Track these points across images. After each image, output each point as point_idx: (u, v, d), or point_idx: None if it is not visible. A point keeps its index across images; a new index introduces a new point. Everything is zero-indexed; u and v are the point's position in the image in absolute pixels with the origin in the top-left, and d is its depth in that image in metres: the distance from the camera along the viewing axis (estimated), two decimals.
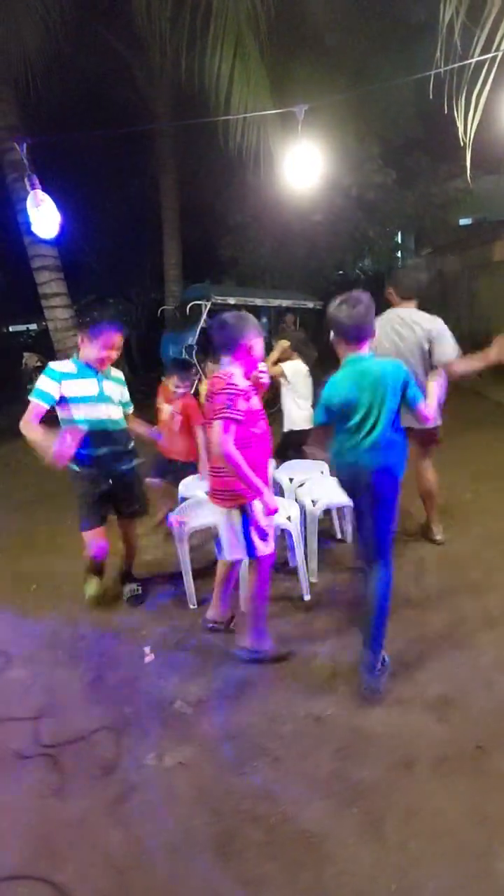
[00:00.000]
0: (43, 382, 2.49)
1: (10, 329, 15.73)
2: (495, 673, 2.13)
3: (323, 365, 3.70)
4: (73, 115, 7.56)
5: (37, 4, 5.10)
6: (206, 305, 7.51)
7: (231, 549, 2.20)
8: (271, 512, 2.10)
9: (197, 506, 2.99)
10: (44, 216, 3.35)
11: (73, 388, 2.52)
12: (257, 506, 2.10)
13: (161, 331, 8.58)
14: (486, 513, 3.59)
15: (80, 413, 2.54)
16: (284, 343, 3.74)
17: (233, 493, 2.10)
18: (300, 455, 3.54)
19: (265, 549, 2.17)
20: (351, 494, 2.14)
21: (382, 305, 2.66)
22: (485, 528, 3.36)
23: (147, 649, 2.43)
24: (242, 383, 2.03)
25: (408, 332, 2.82)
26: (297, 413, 3.69)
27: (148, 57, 6.98)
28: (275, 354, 3.72)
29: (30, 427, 2.40)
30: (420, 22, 6.50)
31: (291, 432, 3.71)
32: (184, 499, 3.20)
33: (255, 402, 2.11)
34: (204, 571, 3.11)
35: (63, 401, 2.51)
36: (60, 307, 6.58)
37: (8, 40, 5.11)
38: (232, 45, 4.72)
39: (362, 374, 1.97)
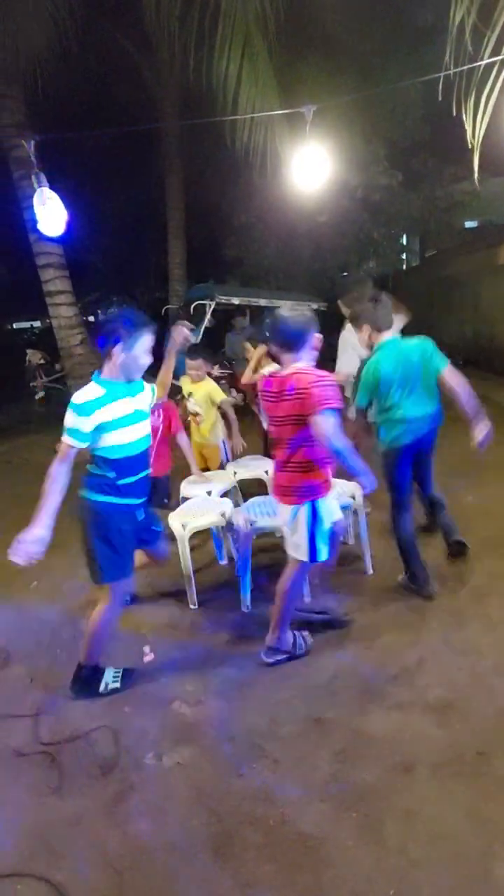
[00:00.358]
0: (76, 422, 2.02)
1: (14, 326, 15.78)
2: (496, 678, 2.12)
3: (324, 363, 3.70)
4: (80, 114, 7.58)
5: (46, 3, 5.11)
6: (210, 305, 7.52)
7: (295, 549, 2.16)
8: (368, 489, 2.12)
9: (198, 506, 2.99)
10: (50, 214, 3.36)
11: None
12: (327, 503, 2.12)
13: (165, 330, 8.58)
14: (488, 516, 3.58)
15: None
16: (262, 349, 3.75)
17: (304, 488, 2.08)
18: None
19: (325, 554, 2.14)
20: (413, 451, 2.51)
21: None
22: (487, 532, 3.34)
23: (146, 649, 2.43)
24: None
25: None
26: None
27: (156, 56, 7.00)
28: (253, 362, 3.70)
29: None
30: (427, 24, 6.51)
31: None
32: (185, 499, 3.20)
33: None
34: (204, 571, 3.11)
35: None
36: (65, 305, 6.59)
37: (17, 38, 5.12)
38: (240, 45, 4.72)
39: (398, 353, 2.48)
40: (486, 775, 1.71)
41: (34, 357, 8.11)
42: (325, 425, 1.90)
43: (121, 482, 2.08)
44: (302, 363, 2.06)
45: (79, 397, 2.01)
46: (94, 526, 2.15)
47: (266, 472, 3.50)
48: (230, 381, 7.21)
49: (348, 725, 1.94)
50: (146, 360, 2.06)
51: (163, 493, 2.98)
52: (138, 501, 2.16)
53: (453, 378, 2.55)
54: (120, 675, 2.25)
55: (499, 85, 2.79)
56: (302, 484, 2.08)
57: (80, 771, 1.86)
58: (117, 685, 2.22)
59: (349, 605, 2.68)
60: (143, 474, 2.14)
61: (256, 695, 2.13)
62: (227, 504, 2.99)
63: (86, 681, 2.19)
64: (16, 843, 1.63)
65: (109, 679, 2.23)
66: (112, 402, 2.01)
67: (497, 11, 2.74)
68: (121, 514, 2.11)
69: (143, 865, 1.54)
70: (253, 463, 3.61)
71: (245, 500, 3.12)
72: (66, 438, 2.03)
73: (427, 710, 1.98)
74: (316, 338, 2.09)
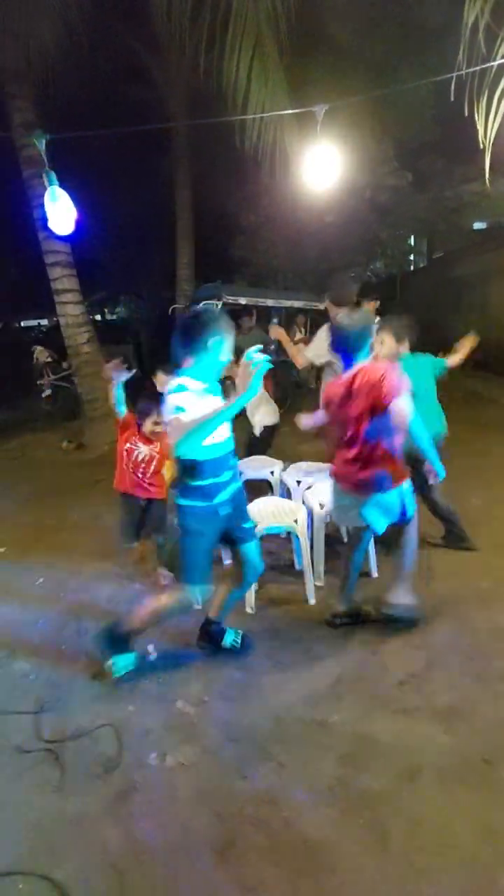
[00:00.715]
0: None
1: (22, 324, 15.85)
2: (502, 684, 2.09)
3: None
4: (89, 113, 7.59)
5: (56, 3, 5.13)
6: (217, 305, 7.51)
7: (384, 521, 2.29)
8: (438, 478, 2.37)
9: None
10: (60, 212, 3.36)
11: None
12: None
13: (172, 329, 8.59)
14: (495, 520, 3.54)
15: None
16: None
17: (395, 473, 2.22)
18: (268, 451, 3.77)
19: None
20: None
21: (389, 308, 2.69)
22: (494, 536, 3.31)
23: (150, 647, 2.42)
24: None
25: None
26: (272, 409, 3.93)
27: (165, 56, 7.01)
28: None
29: None
30: (438, 25, 6.47)
31: (267, 428, 3.95)
32: None
33: None
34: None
35: None
36: (72, 303, 6.60)
37: (27, 38, 5.14)
38: (251, 45, 4.71)
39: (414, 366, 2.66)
40: (493, 783, 1.69)
41: (41, 355, 8.11)
42: (404, 410, 2.01)
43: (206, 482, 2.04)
44: (366, 361, 2.21)
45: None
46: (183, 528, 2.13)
47: (272, 472, 3.48)
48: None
49: (354, 730, 1.92)
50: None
51: (158, 518, 2.93)
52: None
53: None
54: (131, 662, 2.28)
55: None
56: (385, 473, 2.20)
57: (83, 769, 1.85)
58: (122, 673, 2.25)
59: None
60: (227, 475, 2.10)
61: (261, 696, 2.12)
62: None
63: (112, 640, 2.24)
64: (17, 841, 1.62)
65: (121, 664, 2.25)
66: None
67: None
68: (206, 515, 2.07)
69: (145, 866, 1.53)
70: (258, 464, 3.60)
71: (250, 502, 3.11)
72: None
73: (434, 715, 1.95)
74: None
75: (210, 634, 2.38)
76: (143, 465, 2.81)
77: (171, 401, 1.89)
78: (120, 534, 3.03)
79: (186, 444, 1.85)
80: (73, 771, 1.84)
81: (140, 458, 2.80)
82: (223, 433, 2.04)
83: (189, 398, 1.91)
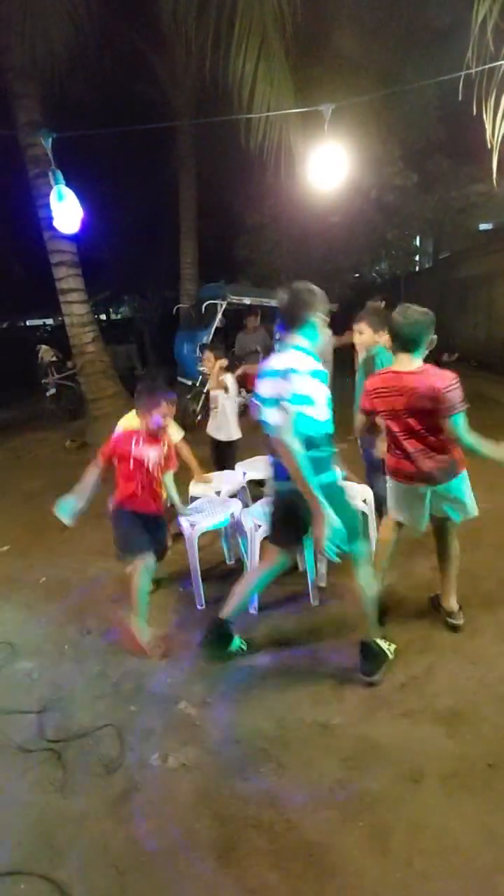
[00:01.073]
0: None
1: (27, 323, 15.91)
2: None
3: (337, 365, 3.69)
4: (95, 112, 7.60)
5: (63, 2, 5.14)
6: (221, 305, 7.51)
7: (462, 512, 2.33)
8: None
9: (207, 506, 2.98)
10: (66, 212, 3.36)
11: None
12: None
13: (175, 328, 8.61)
14: (500, 523, 3.52)
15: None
16: (223, 362, 3.87)
17: (456, 461, 2.27)
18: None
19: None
20: None
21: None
22: (498, 539, 3.30)
23: (161, 648, 2.42)
24: None
25: None
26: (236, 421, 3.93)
27: (171, 56, 7.01)
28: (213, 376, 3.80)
29: None
30: (444, 25, 6.44)
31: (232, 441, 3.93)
32: (193, 498, 3.19)
33: None
34: (212, 571, 3.10)
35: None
36: (77, 303, 6.62)
37: (34, 36, 5.15)
38: (257, 44, 4.70)
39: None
40: (496, 789, 1.68)
41: (46, 354, 8.15)
42: (459, 428, 2.10)
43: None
44: (420, 362, 2.19)
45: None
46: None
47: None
48: (241, 381, 7.20)
49: (356, 732, 1.91)
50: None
51: (163, 537, 2.70)
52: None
53: None
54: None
55: None
56: (453, 458, 2.26)
57: (85, 769, 1.85)
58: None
59: (352, 610, 2.64)
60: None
61: (263, 697, 2.12)
62: (237, 504, 2.98)
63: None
64: (19, 841, 1.63)
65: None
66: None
67: None
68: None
69: (146, 867, 1.53)
70: (262, 464, 3.59)
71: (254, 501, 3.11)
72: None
73: (436, 719, 1.94)
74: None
75: (221, 636, 2.31)
76: (156, 472, 2.54)
77: (297, 385, 1.88)
78: (128, 546, 2.50)
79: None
80: (75, 771, 1.85)
81: (152, 465, 2.51)
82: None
83: (312, 384, 1.93)
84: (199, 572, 2.78)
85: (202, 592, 2.78)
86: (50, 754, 1.92)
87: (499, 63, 2.70)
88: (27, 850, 1.60)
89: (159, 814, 1.68)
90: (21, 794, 1.78)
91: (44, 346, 8.22)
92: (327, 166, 3.17)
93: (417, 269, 13.18)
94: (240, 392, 7.29)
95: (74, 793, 1.77)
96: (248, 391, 7.29)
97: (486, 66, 2.72)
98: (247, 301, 7.67)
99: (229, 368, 4.02)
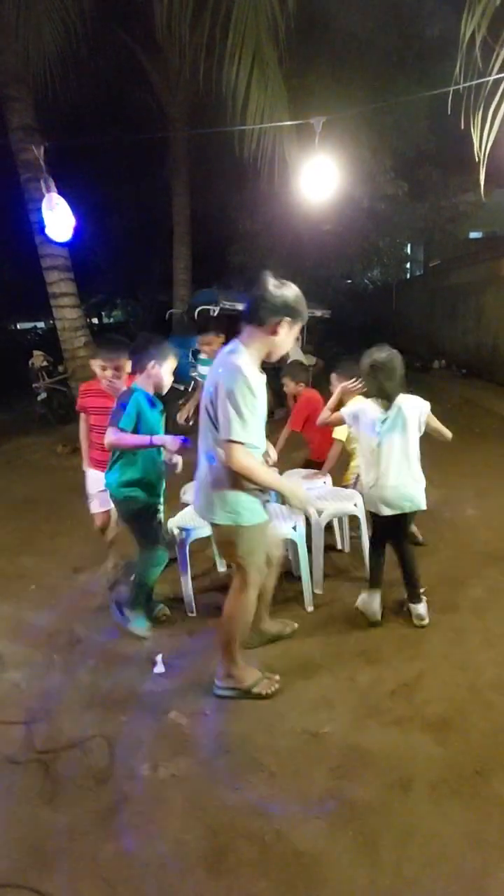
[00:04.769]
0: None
1: (18, 326, 15.81)
2: (495, 694, 2.10)
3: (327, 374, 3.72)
4: (88, 117, 7.62)
5: (57, 6, 5.15)
6: (214, 310, 7.53)
7: None
8: None
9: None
10: (58, 219, 3.36)
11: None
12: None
13: (168, 333, 8.60)
14: (489, 529, 3.57)
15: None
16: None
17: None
18: None
19: None
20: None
21: (385, 316, 2.68)
22: (487, 545, 3.34)
23: (158, 658, 2.40)
24: None
25: None
26: None
27: (165, 62, 7.05)
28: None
29: None
30: (435, 38, 6.57)
31: None
32: (185, 505, 3.19)
33: None
34: (202, 578, 3.10)
35: None
36: (69, 307, 6.60)
37: (27, 40, 5.15)
38: (251, 53, 4.75)
39: None
40: (484, 795, 1.69)
41: (37, 359, 8.11)
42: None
43: None
44: None
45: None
46: None
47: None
48: None
49: (345, 740, 1.92)
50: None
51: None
52: None
53: None
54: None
55: None
56: None
57: (74, 781, 1.84)
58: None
59: (346, 617, 2.66)
60: None
61: (254, 706, 2.11)
62: None
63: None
64: (7, 854, 1.61)
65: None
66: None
67: None
68: None
69: (136, 879, 1.52)
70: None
71: None
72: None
73: (425, 726, 1.96)
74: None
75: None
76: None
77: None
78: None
79: None
80: (64, 782, 1.83)
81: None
82: None
83: None
84: (190, 578, 2.78)
85: (192, 599, 2.78)
86: (38, 766, 1.89)
87: (486, 79, 2.75)
88: (15, 862, 1.58)
89: (149, 825, 1.67)
90: (9, 806, 1.76)
91: (36, 352, 8.16)
92: (319, 178, 3.21)
93: (408, 276, 13.34)
94: None
95: (63, 804, 1.76)
96: None
97: (474, 82, 2.78)
98: (239, 307, 7.68)
99: None
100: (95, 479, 2.84)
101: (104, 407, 2.64)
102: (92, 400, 2.87)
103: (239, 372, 1.79)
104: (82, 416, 2.95)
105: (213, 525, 2.01)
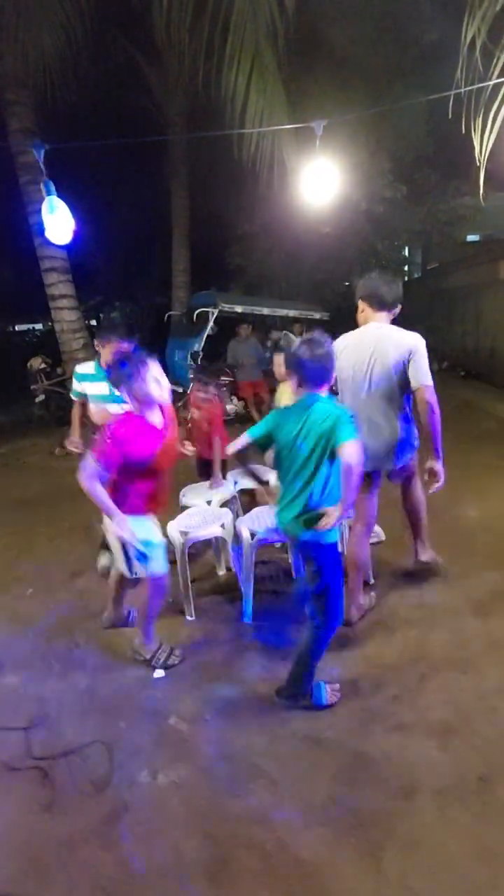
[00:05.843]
0: (72, 382, 3.13)
1: (16, 328, 15.78)
2: (498, 699, 2.08)
3: None
4: (88, 120, 7.63)
5: (57, 10, 5.16)
6: (213, 313, 7.54)
7: None
8: None
9: (198, 516, 2.96)
10: (58, 222, 3.35)
11: (90, 388, 3.01)
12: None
13: (166, 335, 8.61)
14: (489, 532, 3.55)
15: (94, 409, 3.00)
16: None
17: None
18: None
19: None
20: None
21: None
22: (488, 548, 3.32)
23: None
24: None
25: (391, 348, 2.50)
26: None
27: (165, 66, 7.07)
28: None
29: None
30: (433, 42, 6.60)
31: None
32: (184, 508, 3.17)
33: None
34: (201, 582, 3.07)
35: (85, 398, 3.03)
36: (67, 309, 6.59)
37: (26, 44, 5.16)
38: (249, 57, 4.76)
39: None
40: (489, 802, 1.67)
41: (35, 362, 8.09)
42: None
43: None
44: None
45: (78, 367, 3.09)
46: None
47: (267, 482, 3.46)
48: (231, 389, 7.21)
49: (348, 746, 1.90)
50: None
51: None
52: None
53: None
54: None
55: None
56: None
57: (73, 788, 1.81)
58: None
59: (347, 619, 2.64)
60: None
61: (255, 711, 2.09)
62: (227, 514, 2.96)
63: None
64: (4, 863, 1.58)
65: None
66: (96, 382, 2.98)
67: None
68: None
69: (136, 889, 1.50)
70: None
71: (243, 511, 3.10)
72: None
73: (429, 731, 1.94)
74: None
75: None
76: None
77: None
78: None
79: None
80: (62, 789, 1.80)
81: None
82: None
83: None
84: (190, 582, 2.76)
85: (193, 603, 2.76)
86: (36, 772, 1.87)
87: (486, 84, 2.76)
88: (13, 871, 1.55)
89: (149, 833, 1.65)
90: (6, 814, 1.73)
91: (33, 358, 8.15)
92: (319, 181, 3.21)
93: (407, 279, 13.37)
94: (231, 400, 7.30)
95: (62, 812, 1.73)
96: (240, 399, 7.31)
97: (475, 87, 2.79)
98: (238, 309, 7.71)
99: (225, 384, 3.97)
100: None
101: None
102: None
103: None
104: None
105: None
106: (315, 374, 1.87)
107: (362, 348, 2.51)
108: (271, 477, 3.45)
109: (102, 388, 2.90)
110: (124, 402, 2.66)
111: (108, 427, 2.14)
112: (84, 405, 3.09)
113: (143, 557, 2.20)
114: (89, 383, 3.00)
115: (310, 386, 1.89)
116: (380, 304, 2.54)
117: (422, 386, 2.39)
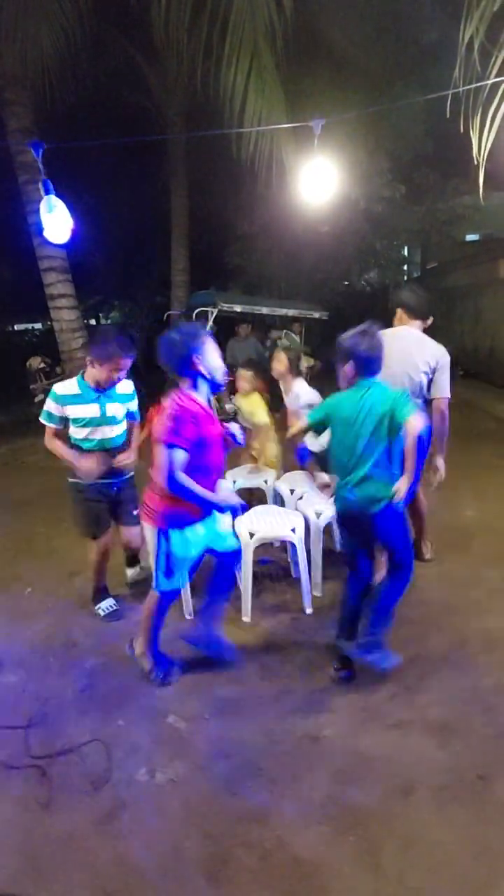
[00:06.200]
0: (48, 404, 2.59)
1: (15, 328, 15.78)
2: (496, 697, 2.09)
3: (327, 376, 3.72)
4: (86, 119, 7.62)
5: (55, 9, 5.15)
6: (212, 312, 7.53)
7: None
8: None
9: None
10: (56, 222, 3.34)
11: (76, 411, 2.56)
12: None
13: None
14: (488, 531, 3.56)
15: (82, 434, 2.61)
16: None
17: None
18: None
19: None
20: None
21: (383, 317, 2.68)
22: (486, 547, 3.33)
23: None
24: None
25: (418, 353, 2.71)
26: None
27: (163, 65, 7.06)
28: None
29: (50, 442, 2.62)
30: (433, 41, 6.60)
31: None
32: None
33: None
34: (198, 580, 3.07)
35: (67, 422, 2.58)
36: (67, 308, 6.58)
37: (24, 43, 5.15)
38: (248, 56, 4.76)
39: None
40: (487, 800, 1.68)
41: (34, 362, 8.09)
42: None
43: None
44: None
45: (58, 388, 2.60)
46: None
47: (265, 481, 3.47)
48: (229, 389, 7.21)
49: (346, 744, 1.90)
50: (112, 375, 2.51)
51: None
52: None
53: None
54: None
55: None
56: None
57: (71, 786, 1.81)
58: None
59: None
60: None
61: (253, 710, 2.09)
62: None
63: None
64: (2, 861, 1.58)
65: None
66: (83, 404, 2.57)
67: None
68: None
69: (134, 887, 1.50)
70: (252, 472, 3.58)
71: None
72: (41, 419, 2.67)
73: (427, 730, 1.94)
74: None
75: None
76: None
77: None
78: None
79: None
80: (60, 788, 1.80)
81: None
82: None
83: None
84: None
85: (190, 601, 2.76)
86: (35, 771, 1.87)
87: (484, 83, 2.76)
88: (11, 870, 1.55)
89: (147, 832, 1.65)
90: (4, 812, 1.73)
91: (32, 357, 8.15)
92: (317, 180, 3.21)
93: (406, 278, 13.37)
94: (230, 399, 7.30)
95: (60, 810, 1.73)
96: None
97: (473, 86, 2.79)
98: (237, 308, 7.70)
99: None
100: None
101: None
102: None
103: None
104: None
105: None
106: (370, 362, 2.06)
107: (392, 347, 2.55)
108: (269, 477, 3.47)
109: (93, 410, 2.54)
110: (119, 422, 2.63)
111: (176, 404, 1.94)
112: (59, 435, 2.59)
113: (169, 573, 2.12)
114: (75, 406, 2.53)
115: (366, 373, 2.08)
116: (415, 313, 2.82)
117: (441, 397, 2.66)
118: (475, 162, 3.06)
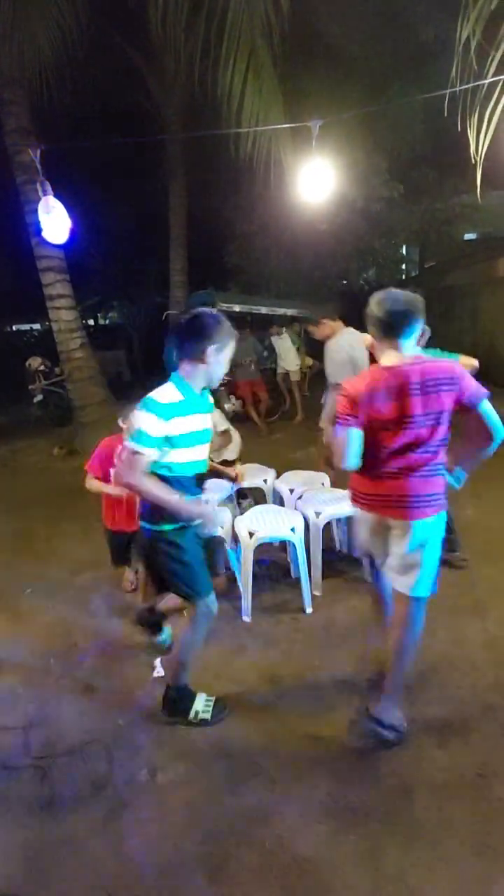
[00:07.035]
0: (144, 421, 1.71)
1: (14, 328, 15.76)
2: (495, 696, 2.09)
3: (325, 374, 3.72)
4: (84, 119, 7.62)
5: (52, 9, 5.14)
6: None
7: (406, 577, 1.95)
8: None
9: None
10: (54, 222, 3.35)
11: (183, 426, 1.78)
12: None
13: (164, 334, 8.58)
14: (488, 529, 3.56)
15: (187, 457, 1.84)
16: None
17: (439, 494, 1.83)
18: None
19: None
20: None
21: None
22: (487, 545, 3.33)
23: (157, 663, 2.37)
24: None
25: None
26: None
27: (161, 65, 7.05)
28: None
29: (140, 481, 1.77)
30: (430, 41, 6.59)
31: None
32: None
33: None
34: None
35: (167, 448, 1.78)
36: (65, 308, 6.57)
37: (22, 43, 5.14)
38: (245, 56, 4.75)
39: None
40: (486, 799, 1.68)
41: (34, 362, 8.09)
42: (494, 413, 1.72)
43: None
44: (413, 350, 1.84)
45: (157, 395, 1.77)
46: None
47: (265, 480, 3.47)
48: (229, 388, 7.21)
49: (347, 743, 1.90)
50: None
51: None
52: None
53: None
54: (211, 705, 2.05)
55: (502, 102, 2.82)
56: (438, 490, 1.81)
57: (72, 787, 1.81)
58: (207, 716, 2.02)
59: (345, 618, 2.65)
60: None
61: (253, 709, 2.10)
62: (226, 514, 2.96)
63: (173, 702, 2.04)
64: (3, 863, 1.58)
65: (200, 707, 2.03)
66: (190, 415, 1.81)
67: (502, 31, 2.78)
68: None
69: (136, 887, 1.50)
70: (251, 472, 3.58)
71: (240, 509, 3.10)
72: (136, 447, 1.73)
73: (427, 728, 1.95)
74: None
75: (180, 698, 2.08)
76: None
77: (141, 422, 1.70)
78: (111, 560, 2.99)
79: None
80: (62, 789, 1.81)
81: None
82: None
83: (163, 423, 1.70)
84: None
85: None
86: (35, 772, 1.87)
87: (481, 82, 2.76)
88: (12, 872, 1.56)
89: (148, 832, 1.65)
90: (5, 814, 1.74)
91: (31, 358, 8.14)
92: (316, 180, 3.21)
93: (404, 277, 13.37)
94: (229, 399, 7.29)
95: (61, 811, 1.73)
96: (238, 398, 7.31)
97: (470, 85, 2.79)
98: (236, 308, 7.70)
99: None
100: None
101: None
102: None
103: None
104: None
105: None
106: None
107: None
108: (269, 477, 3.47)
109: (202, 421, 1.88)
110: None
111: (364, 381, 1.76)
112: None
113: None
114: (182, 418, 1.77)
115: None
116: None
117: None
118: (473, 161, 3.06)
